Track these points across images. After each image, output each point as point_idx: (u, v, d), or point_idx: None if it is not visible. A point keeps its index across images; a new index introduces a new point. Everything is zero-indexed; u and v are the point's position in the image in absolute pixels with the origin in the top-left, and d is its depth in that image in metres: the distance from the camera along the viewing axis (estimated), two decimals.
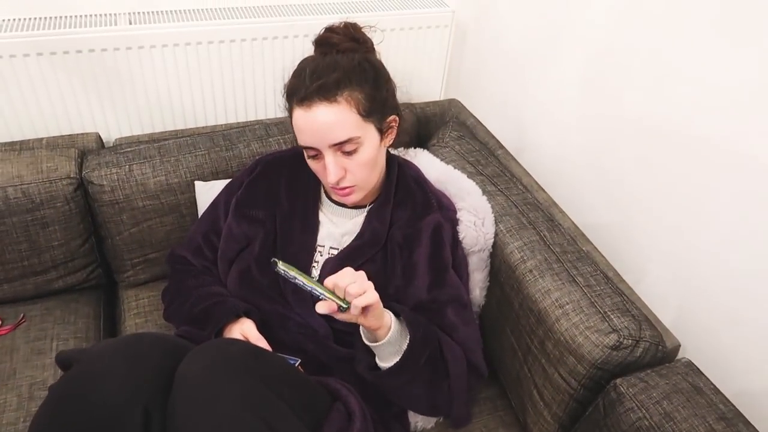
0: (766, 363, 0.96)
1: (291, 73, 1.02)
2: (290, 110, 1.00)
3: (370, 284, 0.87)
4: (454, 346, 1.04)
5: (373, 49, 1.07)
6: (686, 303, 1.09)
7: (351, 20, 1.06)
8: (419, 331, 0.97)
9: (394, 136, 1.08)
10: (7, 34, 1.27)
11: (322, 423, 0.88)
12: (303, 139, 0.98)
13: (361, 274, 0.88)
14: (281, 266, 0.84)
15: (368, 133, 0.99)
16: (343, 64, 0.97)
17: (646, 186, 1.14)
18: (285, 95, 1.01)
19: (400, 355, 0.95)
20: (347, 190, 1.02)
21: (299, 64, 1.02)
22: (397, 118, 1.07)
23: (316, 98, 0.94)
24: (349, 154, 0.98)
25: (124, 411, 0.76)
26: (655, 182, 1.12)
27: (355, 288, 0.85)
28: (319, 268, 1.09)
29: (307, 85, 0.94)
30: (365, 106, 0.97)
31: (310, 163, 1.03)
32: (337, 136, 0.95)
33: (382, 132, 1.03)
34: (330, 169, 0.97)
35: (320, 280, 1.06)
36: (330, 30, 1.03)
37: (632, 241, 1.19)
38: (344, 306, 0.85)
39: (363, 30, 1.05)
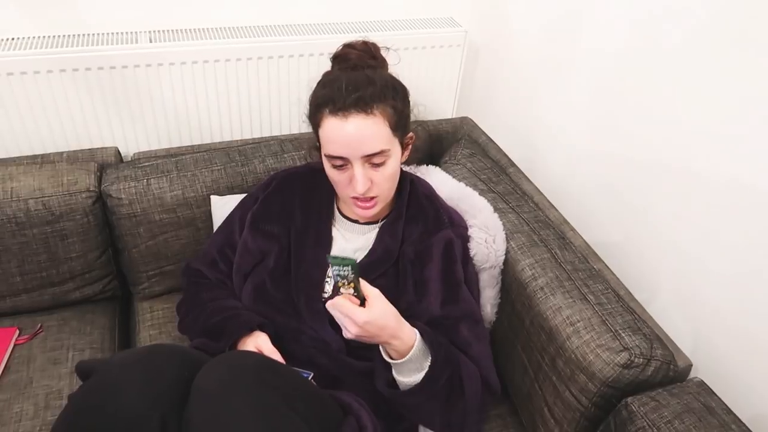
0: None
1: (316, 85, 1.04)
2: (318, 120, 1.01)
3: (354, 324, 0.91)
4: (470, 365, 1.04)
5: (387, 68, 1.10)
6: (698, 324, 1.09)
7: (367, 39, 1.09)
8: (441, 352, 0.98)
9: (408, 153, 1.11)
10: (30, 51, 1.30)
11: None
12: (333, 149, 0.99)
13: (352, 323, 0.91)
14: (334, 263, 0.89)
15: (395, 147, 1.02)
16: (377, 79, 1.00)
17: (658, 206, 1.15)
18: (313, 104, 1.02)
19: (421, 372, 0.96)
20: (371, 202, 1.04)
21: (326, 76, 1.04)
22: (414, 136, 1.10)
23: (354, 109, 0.96)
24: (377, 166, 1.00)
25: (141, 422, 0.77)
26: (666, 202, 1.12)
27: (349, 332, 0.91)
28: (332, 283, 1.10)
29: (345, 96, 0.96)
30: (394, 120, 1.00)
31: (333, 173, 1.03)
32: (371, 147, 0.98)
33: (403, 147, 1.06)
34: (359, 179, 0.99)
35: (333, 296, 1.08)
36: (349, 46, 1.07)
37: (644, 261, 1.20)
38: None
39: (381, 50, 1.09)
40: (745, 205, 0.97)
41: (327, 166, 1.04)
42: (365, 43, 1.07)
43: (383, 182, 1.03)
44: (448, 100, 1.78)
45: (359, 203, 1.05)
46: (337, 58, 1.07)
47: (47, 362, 1.24)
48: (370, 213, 1.07)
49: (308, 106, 1.05)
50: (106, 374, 0.80)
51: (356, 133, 0.96)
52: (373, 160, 0.99)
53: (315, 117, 1.02)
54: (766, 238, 0.94)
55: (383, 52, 1.10)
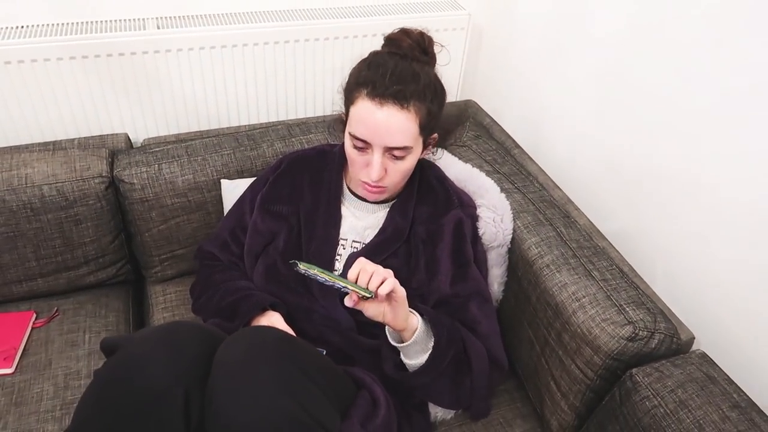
0: None
1: (360, 61, 1.04)
2: (354, 97, 1.01)
3: (391, 273, 0.90)
4: (476, 344, 1.07)
5: (435, 65, 1.09)
6: (701, 298, 1.11)
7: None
8: (443, 331, 1.00)
9: (427, 151, 1.12)
10: (41, 39, 1.32)
11: (349, 409, 0.92)
12: (360, 131, 1.00)
13: (386, 270, 0.90)
14: (302, 266, 0.87)
15: (417, 146, 1.04)
16: (422, 77, 1.00)
17: (661, 187, 1.16)
18: (353, 80, 1.03)
19: (427, 353, 0.99)
20: (378, 189, 1.06)
21: (373, 57, 1.04)
22: (437, 136, 1.11)
23: (391, 100, 0.96)
24: (396, 159, 1.02)
25: (166, 395, 0.80)
26: (670, 183, 1.14)
27: (376, 280, 0.88)
28: (343, 261, 1.13)
29: (386, 84, 0.97)
30: (425, 121, 1.01)
31: (352, 153, 1.04)
32: (397, 141, 0.99)
33: (424, 146, 1.08)
34: (375, 167, 1.00)
35: (343, 274, 1.10)
36: (404, 33, 1.06)
37: (647, 239, 1.22)
38: (367, 295, 0.88)
39: (434, 46, 1.09)
40: (749, 184, 0.98)
41: (348, 144, 1.04)
42: (422, 35, 1.06)
43: (397, 175, 1.05)
44: (452, 84, 1.79)
45: (368, 187, 1.07)
46: (390, 41, 1.07)
47: (65, 344, 1.27)
48: (375, 198, 1.10)
49: (347, 79, 1.05)
50: (131, 349, 0.83)
51: (386, 123, 0.97)
52: (395, 153, 1.01)
53: (351, 93, 1.02)
54: None
55: (436, 49, 1.10)
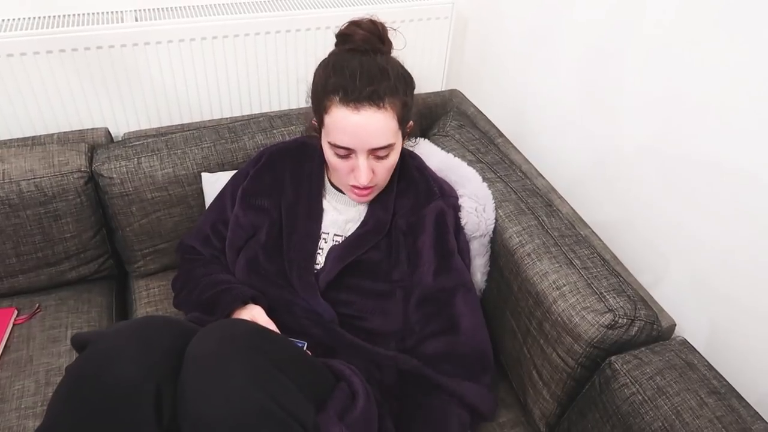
0: (760, 343, 0.98)
1: (321, 66, 1.02)
2: (326, 106, 0.98)
3: None
4: (472, 390, 1.08)
5: (391, 51, 1.07)
6: (684, 286, 1.11)
7: (359, 15, 1.05)
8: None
9: (406, 140, 1.12)
10: (17, 32, 1.30)
11: (326, 401, 0.92)
12: (341, 139, 0.98)
13: None
14: None
15: (398, 139, 1.03)
16: (390, 71, 0.98)
17: (645, 175, 1.16)
18: (320, 88, 1.00)
19: None
20: (368, 191, 1.06)
21: (335, 59, 1.01)
22: (413, 123, 1.10)
23: (367, 103, 0.94)
24: (381, 158, 1.01)
25: (136, 390, 0.79)
26: (654, 172, 1.14)
27: None
28: (324, 254, 1.12)
29: (359, 87, 0.94)
30: (401, 114, 1.00)
31: (335, 161, 1.02)
32: (380, 141, 0.98)
33: (403, 137, 1.07)
34: (363, 172, 0.99)
35: (325, 267, 1.09)
36: (355, 24, 1.02)
37: (630, 227, 1.22)
38: None
39: (389, 32, 1.05)
40: (732, 175, 0.97)
41: (329, 152, 1.03)
42: (373, 23, 1.02)
43: (384, 173, 1.05)
44: (436, 73, 1.78)
45: (356, 191, 1.06)
46: (342, 37, 1.03)
47: (46, 340, 1.27)
48: (366, 200, 1.10)
49: (312, 87, 1.02)
50: (102, 345, 0.82)
51: (366, 127, 0.95)
52: (379, 153, 1.00)
53: (322, 102, 0.99)
54: (751, 206, 0.95)
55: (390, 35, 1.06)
